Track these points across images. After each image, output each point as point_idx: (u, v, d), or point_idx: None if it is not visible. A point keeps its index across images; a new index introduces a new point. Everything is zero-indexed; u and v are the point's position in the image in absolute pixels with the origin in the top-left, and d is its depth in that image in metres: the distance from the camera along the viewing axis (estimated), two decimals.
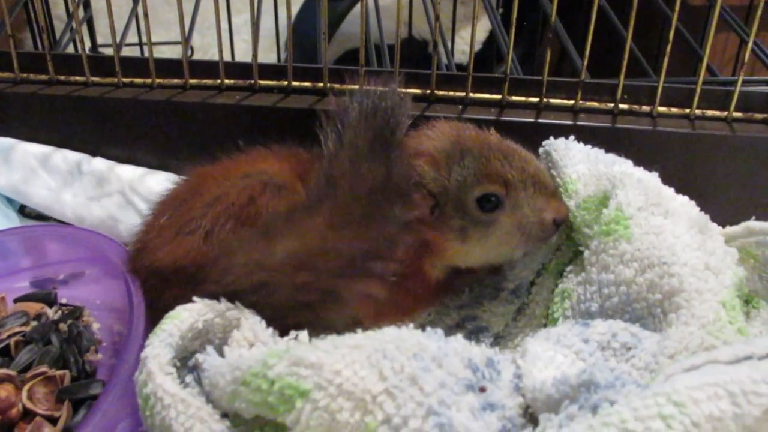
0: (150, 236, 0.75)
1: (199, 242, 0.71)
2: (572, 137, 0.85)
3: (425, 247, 0.75)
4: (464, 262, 0.78)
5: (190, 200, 0.74)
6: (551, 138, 0.85)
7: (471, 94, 0.96)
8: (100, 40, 1.48)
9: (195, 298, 0.65)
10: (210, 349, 0.63)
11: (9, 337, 0.79)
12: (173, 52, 1.50)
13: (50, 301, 0.85)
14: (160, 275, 0.72)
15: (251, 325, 0.65)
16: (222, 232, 0.70)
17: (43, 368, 0.75)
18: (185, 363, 0.65)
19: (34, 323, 0.81)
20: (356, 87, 0.75)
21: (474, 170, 0.74)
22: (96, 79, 0.99)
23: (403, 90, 0.76)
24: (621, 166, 0.81)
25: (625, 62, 0.92)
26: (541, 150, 0.86)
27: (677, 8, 0.89)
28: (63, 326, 0.81)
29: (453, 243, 0.75)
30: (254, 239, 0.69)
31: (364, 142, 0.71)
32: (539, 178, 0.76)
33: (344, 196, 0.68)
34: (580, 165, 0.82)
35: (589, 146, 0.84)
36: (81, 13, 1.37)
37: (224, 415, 0.60)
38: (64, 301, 0.87)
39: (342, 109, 0.73)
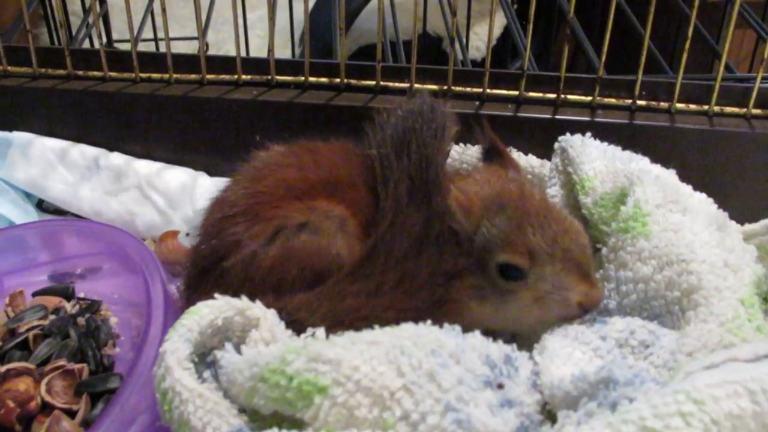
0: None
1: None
2: (589, 134, 0.84)
3: (441, 307, 0.70)
4: (478, 324, 0.69)
5: (247, 231, 0.72)
6: (567, 134, 0.85)
7: (488, 90, 0.96)
8: (115, 36, 1.48)
9: (216, 295, 0.65)
10: (228, 345, 0.63)
11: (27, 330, 0.79)
12: (188, 48, 1.50)
13: (68, 295, 0.86)
14: None
15: (270, 325, 0.65)
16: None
17: (62, 362, 0.76)
18: (203, 359, 0.65)
19: (52, 317, 0.82)
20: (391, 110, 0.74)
21: (503, 233, 0.69)
22: (114, 74, 0.99)
23: (446, 107, 0.74)
24: (638, 163, 0.81)
25: (643, 58, 0.91)
26: (556, 146, 0.85)
27: (696, 4, 0.89)
28: (81, 320, 0.81)
29: (469, 303, 0.71)
30: (319, 300, 0.69)
31: (402, 188, 0.70)
32: (572, 254, 0.69)
33: (381, 262, 0.69)
34: (597, 162, 0.81)
35: (605, 143, 0.84)
36: (97, 8, 1.37)
37: (242, 411, 0.60)
38: (81, 295, 0.87)
39: (380, 145, 0.73)
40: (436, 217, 0.69)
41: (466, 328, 0.65)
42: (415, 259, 0.68)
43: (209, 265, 0.72)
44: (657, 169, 0.79)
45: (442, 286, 0.69)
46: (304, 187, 0.73)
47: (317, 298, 0.68)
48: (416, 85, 0.95)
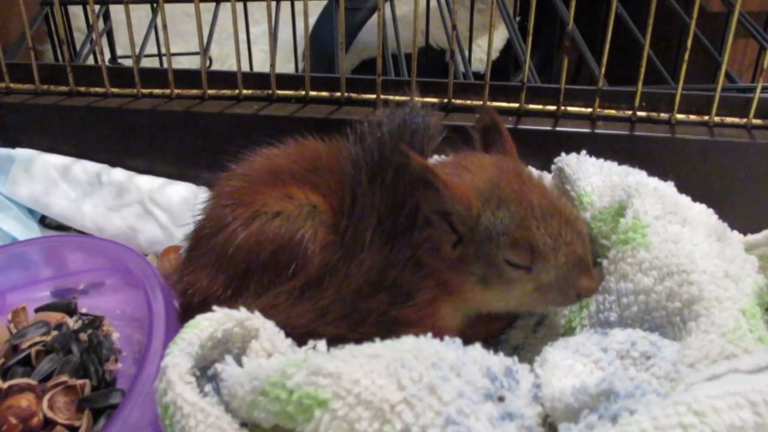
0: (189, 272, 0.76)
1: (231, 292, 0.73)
2: (584, 152, 0.84)
3: (442, 288, 0.72)
4: (484, 306, 0.75)
5: (223, 229, 0.75)
6: (563, 154, 0.85)
7: (488, 103, 0.96)
8: (119, 51, 1.49)
9: (215, 307, 0.65)
10: (229, 358, 0.63)
11: (30, 346, 0.79)
12: (192, 63, 1.51)
13: (70, 310, 0.86)
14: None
15: (270, 335, 0.65)
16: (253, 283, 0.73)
17: (64, 377, 0.76)
18: (204, 372, 0.65)
19: (54, 333, 0.82)
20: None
21: (506, 228, 0.69)
22: (115, 90, 1.00)
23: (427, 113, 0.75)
24: (635, 176, 0.81)
25: (643, 69, 0.91)
26: (553, 167, 0.85)
27: (695, 15, 0.89)
28: (83, 336, 0.81)
29: (473, 287, 0.72)
30: (282, 303, 0.71)
31: (368, 223, 0.70)
32: (574, 247, 0.70)
33: (331, 291, 0.70)
34: (593, 177, 0.81)
35: (601, 160, 0.84)
36: (101, 24, 1.38)
37: (243, 425, 0.60)
38: (84, 310, 0.87)
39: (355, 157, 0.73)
40: (397, 261, 0.69)
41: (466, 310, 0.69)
42: (366, 300, 0.69)
43: (198, 241, 0.77)
44: (655, 181, 0.79)
45: (389, 327, 0.70)
46: (286, 175, 0.77)
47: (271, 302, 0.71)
48: (416, 99, 0.95)
